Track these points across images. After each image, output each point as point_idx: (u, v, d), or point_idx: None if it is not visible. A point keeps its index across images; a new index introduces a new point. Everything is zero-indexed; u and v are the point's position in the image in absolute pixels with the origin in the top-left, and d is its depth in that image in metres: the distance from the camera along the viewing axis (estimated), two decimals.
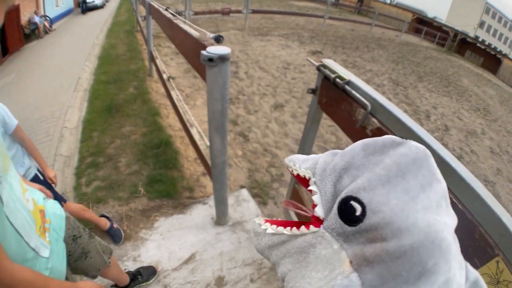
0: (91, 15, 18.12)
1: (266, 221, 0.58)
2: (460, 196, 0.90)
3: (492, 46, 46.15)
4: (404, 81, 9.52)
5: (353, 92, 1.31)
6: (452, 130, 7.26)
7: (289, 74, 6.64)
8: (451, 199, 0.89)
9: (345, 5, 33.89)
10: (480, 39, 47.88)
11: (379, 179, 0.43)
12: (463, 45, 34.46)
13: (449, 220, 0.44)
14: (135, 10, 9.74)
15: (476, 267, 0.81)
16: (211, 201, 2.75)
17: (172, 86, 3.90)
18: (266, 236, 0.57)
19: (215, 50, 1.57)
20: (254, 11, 11.28)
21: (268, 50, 8.13)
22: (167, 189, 2.94)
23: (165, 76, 4.16)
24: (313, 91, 1.72)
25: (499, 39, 56.25)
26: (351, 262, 0.43)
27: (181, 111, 3.19)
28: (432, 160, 0.46)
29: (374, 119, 1.23)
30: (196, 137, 2.74)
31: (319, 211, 0.48)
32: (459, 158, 6.10)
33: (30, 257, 1.09)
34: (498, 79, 27.97)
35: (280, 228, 0.54)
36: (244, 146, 3.81)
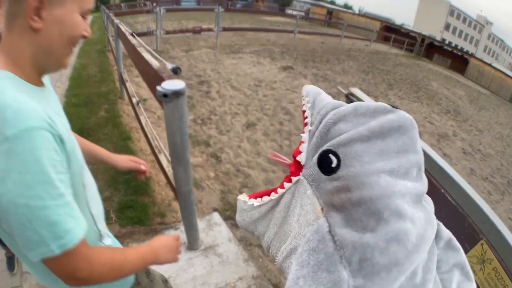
0: None
1: (250, 196, 0.64)
2: (453, 194, 1.10)
3: (459, 47, 47.83)
4: (375, 91, 9.75)
5: None
6: (424, 135, 7.45)
7: (261, 92, 6.72)
8: (446, 197, 1.06)
9: (315, 19, 34.57)
10: (446, 41, 49.61)
11: (360, 137, 0.48)
12: (431, 49, 35.34)
13: (413, 184, 0.49)
14: (106, 29, 9.70)
15: (466, 250, 1.02)
16: (183, 227, 2.75)
17: (141, 110, 3.90)
18: (253, 210, 0.62)
19: (169, 85, 1.60)
20: (225, 29, 11.44)
21: (240, 68, 8.22)
22: (138, 216, 2.92)
23: (134, 100, 4.16)
24: None
25: (465, 39, 58.50)
26: (322, 209, 0.49)
27: (149, 136, 3.20)
28: (416, 132, 0.50)
29: None
30: (164, 163, 2.74)
31: (302, 158, 0.54)
32: None
33: (97, 243, 1.02)
34: (467, 79, 28.82)
35: (266, 198, 0.59)
36: (216, 168, 3.82)
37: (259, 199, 0.61)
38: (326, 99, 0.61)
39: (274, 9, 45.14)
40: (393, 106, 0.52)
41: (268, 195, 0.59)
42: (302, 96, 0.63)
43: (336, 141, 0.50)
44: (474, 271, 0.95)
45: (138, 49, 2.77)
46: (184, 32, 11.44)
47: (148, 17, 14.21)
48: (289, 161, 0.65)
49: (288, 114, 5.81)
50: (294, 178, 0.55)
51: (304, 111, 0.60)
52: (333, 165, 0.48)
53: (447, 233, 0.55)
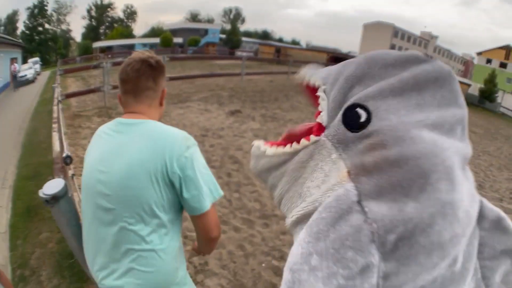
0: (23, 91, 17.59)
1: (266, 143, 0.57)
2: None
3: None
4: None
5: None
6: None
7: (207, 142, 6.64)
8: None
9: (262, 59, 35.29)
10: None
11: (391, 89, 0.41)
12: None
13: (461, 145, 0.41)
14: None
15: None
16: None
17: (75, 186, 3.73)
18: (265, 158, 0.55)
19: (49, 188, 1.48)
20: (171, 78, 11.45)
21: (187, 118, 8.19)
22: None
23: (69, 173, 3.99)
24: None
25: None
26: (349, 172, 0.41)
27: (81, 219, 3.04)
28: (456, 84, 0.43)
29: None
30: None
31: (323, 117, 0.47)
32: None
33: None
34: None
35: (280, 148, 0.53)
36: None
37: (274, 147, 0.55)
38: (327, 68, 0.54)
39: (224, 52, 46.22)
40: (427, 55, 0.45)
41: (285, 145, 0.53)
42: (301, 75, 0.58)
43: (363, 94, 0.43)
44: None
45: (53, 125, 2.71)
46: None
47: (99, 71, 14.11)
48: (307, 125, 0.57)
49: (236, 163, 5.77)
50: (313, 137, 0.47)
51: (307, 84, 0.55)
52: (362, 119, 0.41)
53: (494, 212, 0.45)
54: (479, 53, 52.70)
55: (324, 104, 0.49)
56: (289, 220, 0.50)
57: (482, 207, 0.44)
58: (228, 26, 65.73)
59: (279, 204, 0.55)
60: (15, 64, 19.81)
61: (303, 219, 0.46)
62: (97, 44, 53.07)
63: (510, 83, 44.31)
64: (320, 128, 0.48)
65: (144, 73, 1.28)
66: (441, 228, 0.34)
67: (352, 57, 0.54)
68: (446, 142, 0.38)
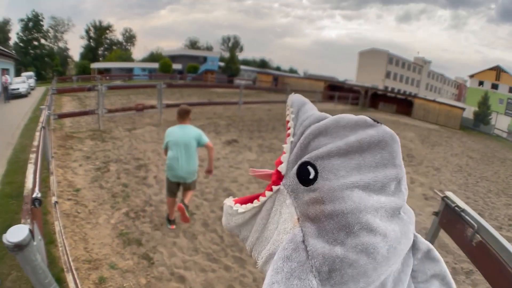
0: (15, 103, 17.37)
1: (236, 201, 0.66)
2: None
3: (402, 91, 51.38)
4: None
5: (466, 217, 1.87)
6: None
7: (201, 172, 6.36)
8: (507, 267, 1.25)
9: (259, 88, 35.55)
10: (389, 89, 53.21)
11: (338, 151, 0.49)
12: (375, 98, 37.22)
13: (390, 199, 0.49)
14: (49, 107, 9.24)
15: None
16: None
17: (57, 215, 3.53)
18: (237, 215, 0.64)
19: (13, 235, 1.33)
20: (168, 105, 11.36)
21: None
22: None
23: (52, 200, 3.81)
24: (435, 214, 2.28)
25: (406, 82, 63.47)
26: (298, 219, 0.50)
27: (60, 249, 2.84)
28: (397, 146, 0.51)
29: (478, 235, 1.77)
30: (71, 286, 2.37)
31: (283, 168, 0.56)
32: None
33: None
34: (414, 120, 30.74)
35: (249, 205, 0.61)
36: (148, 272, 3.41)
37: (244, 205, 0.63)
38: (310, 110, 0.61)
39: (223, 80, 46.71)
40: (374, 120, 0.52)
41: (252, 201, 0.61)
42: (287, 105, 0.63)
43: (315, 153, 0.51)
44: None
45: (31, 155, 2.57)
46: (126, 110, 11.25)
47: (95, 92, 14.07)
48: (269, 171, 0.67)
49: (230, 196, 5.57)
50: (275, 187, 0.57)
51: (288, 122, 0.61)
52: (311, 177, 0.50)
53: (425, 244, 0.57)
54: (471, 76, 52.52)
55: (285, 157, 0.57)
56: (260, 262, 0.57)
57: (416, 242, 0.55)
58: (226, 54, 66.59)
59: (251, 251, 0.62)
60: (6, 76, 19.66)
61: (269, 259, 0.54)
62: (96, 65, 53.37)
63: (502, 104, 44.70)
64: (280, 176, 0.57)
65: (185, 113, 4.27)
66: (365, 262, 0.44)
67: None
68: (371, 200, 0.47)
